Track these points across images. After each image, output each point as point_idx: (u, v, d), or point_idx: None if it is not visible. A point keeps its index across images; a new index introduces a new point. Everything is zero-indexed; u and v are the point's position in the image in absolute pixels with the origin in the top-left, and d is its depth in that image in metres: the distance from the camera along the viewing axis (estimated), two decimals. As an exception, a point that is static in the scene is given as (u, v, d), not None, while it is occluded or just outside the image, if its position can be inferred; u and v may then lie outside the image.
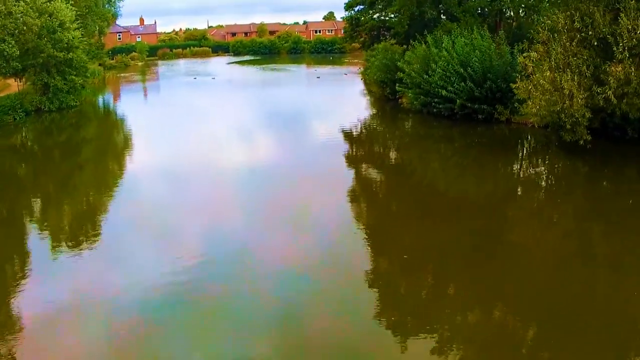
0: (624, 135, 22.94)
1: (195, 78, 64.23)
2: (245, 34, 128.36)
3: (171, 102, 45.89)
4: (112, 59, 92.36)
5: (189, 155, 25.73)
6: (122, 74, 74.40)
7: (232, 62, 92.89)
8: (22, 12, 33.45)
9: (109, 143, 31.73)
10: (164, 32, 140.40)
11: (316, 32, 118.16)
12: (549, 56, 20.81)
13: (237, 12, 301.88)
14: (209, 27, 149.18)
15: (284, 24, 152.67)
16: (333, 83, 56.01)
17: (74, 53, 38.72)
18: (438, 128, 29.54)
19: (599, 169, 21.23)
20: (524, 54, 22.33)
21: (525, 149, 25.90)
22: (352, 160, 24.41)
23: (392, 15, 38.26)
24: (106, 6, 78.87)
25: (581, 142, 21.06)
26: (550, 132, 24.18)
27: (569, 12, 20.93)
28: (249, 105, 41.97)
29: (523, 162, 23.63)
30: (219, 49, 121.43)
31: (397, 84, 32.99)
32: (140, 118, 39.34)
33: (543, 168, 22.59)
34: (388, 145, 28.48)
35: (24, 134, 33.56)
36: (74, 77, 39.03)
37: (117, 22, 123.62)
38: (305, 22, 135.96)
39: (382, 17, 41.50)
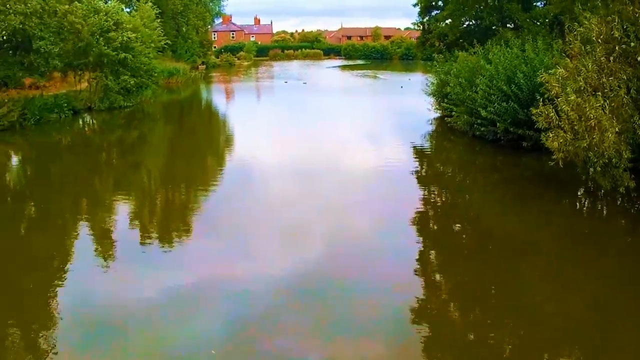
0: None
1: (286, 82, 64.40)
2: (361, 37, 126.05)
3: (234, 107, 47.21)
4: (218, 58, 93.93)
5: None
6: (215, 74, 76.42)
7: (336, 67, 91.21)
8: (66, 11, 32.79)
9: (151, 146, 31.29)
10: (281, 32, 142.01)
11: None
12: (579, 74, 15.87)
13: (370, 15, 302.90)
14: (341, 28, 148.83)
15: (414, 29, 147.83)
16: (413, 94, 52.04)
17: (128, 53, 38.06)
18: (480, 154, 24.94)
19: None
20: (550, 71, 17.31)
21: (575, 191, 19.43)
22: (384, 192, 19.98)
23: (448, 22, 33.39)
24: (210, 5, 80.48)
25: (621, 189, 16.02)
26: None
27: (609, 18, 15.82)
28: (302, 114, 41.12)
29: (566, 208, 17.81)
30: (331, 52, 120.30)
31: (445, 100, 28.63)
32: (194, 122, 39.63)
33: (591, 221, 16.92)
34: (422, 176, 23.21)
35: (60, 132, 32.99)
36: (126, 77, 38.42)
37: (233, 21, 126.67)
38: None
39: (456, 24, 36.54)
